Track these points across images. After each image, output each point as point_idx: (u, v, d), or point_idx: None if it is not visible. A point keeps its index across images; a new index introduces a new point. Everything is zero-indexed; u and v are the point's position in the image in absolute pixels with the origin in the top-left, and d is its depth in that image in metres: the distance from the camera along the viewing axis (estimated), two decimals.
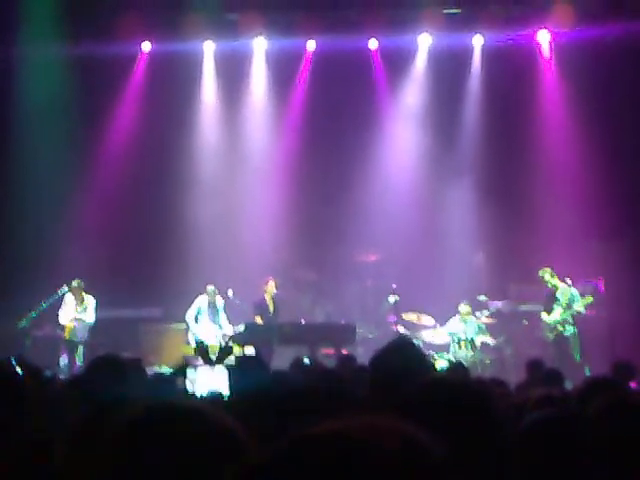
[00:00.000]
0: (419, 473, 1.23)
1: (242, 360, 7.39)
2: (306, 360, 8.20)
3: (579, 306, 14.11)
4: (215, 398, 6.63)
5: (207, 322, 15.01)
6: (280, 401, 3.09)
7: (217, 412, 1.71)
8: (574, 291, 14.23)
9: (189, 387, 7.68)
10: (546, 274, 14.27)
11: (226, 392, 5.48)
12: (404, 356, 3.38)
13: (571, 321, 14.13)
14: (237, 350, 12.50)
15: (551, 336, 14.17)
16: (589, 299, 14.23)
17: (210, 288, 14.98)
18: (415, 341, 14.54)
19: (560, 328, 14.11)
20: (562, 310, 14.11)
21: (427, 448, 1.27)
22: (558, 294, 14.21)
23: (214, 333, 14.81)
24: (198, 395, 8.28)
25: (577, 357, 13.93)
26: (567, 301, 14.12)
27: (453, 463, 1.27)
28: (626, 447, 2.98)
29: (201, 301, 15.05)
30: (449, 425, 1.90)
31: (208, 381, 14.06)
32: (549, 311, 14.26)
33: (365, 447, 1.22)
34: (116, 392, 3.82)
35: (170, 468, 1.60)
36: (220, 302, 15.10)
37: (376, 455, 1.21)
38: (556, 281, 14.26)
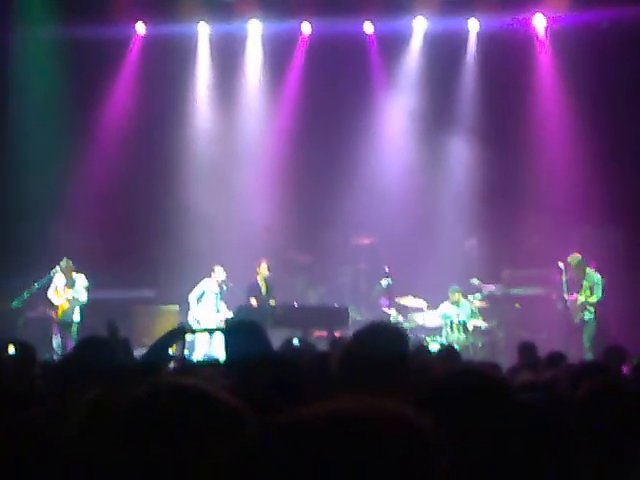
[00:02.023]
0: (428, 457, 1.21)
1: (239, 324, 7.33)
2: (295, 341, 8.20)
3: (594, 296, 14.17)
4: (211, 363, 6.62)
5: (209, 306, 14.88)
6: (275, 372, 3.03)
7: (216, 391, 1.72)
8: (598, 280, 14.26)
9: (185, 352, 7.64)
10: (574, 261, 14.25)
11: (222, 357, 5.42)
12: (382, 341, 3.25)
13: (590, 308, 14.20)
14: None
15: (576, 319, 14.27)
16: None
17: (219, 268, 14.86)
18: (406, 325, 14.68)
19: (580, 313, 14.21)
20: (582, 297, 14.21)
21: (431, 432, 1.25)
22: (584, 280, 14.25)
23: (212, 317, 14.74)
24: (194, 360, 8.28)
25: (587, 344, 13.98)
26: (588, 288, 14.20)
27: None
28: (611, 431, 3.01)
29: (206, 284, 14.92)
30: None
31: (206, 345, 14.13)
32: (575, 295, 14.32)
33: (374, 429, 1.20)
34: (106, 371, 3.82)
35: (171, 447, 1.61)
36: (224, 286, 14.99)
37: (385, 437, 1.19)
38: (583, 268, 14.23)
